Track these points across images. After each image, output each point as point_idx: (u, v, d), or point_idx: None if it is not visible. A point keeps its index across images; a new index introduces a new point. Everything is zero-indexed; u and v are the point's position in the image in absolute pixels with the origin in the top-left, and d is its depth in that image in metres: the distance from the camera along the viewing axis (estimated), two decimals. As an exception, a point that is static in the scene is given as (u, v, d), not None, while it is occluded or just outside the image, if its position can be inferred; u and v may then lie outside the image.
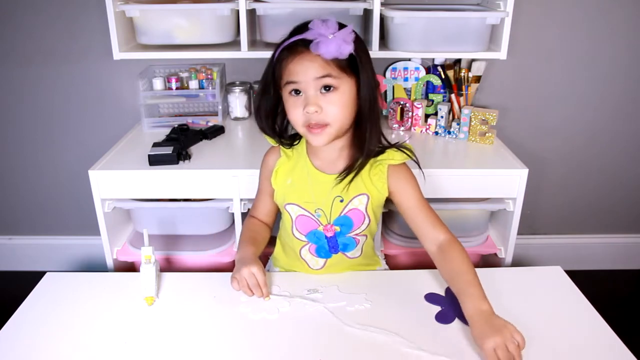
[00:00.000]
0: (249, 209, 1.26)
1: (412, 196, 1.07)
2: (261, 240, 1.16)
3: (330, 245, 1.12)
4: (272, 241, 1.24)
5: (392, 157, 1.07)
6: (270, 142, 1.13)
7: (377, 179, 1.07)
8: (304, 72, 0.96)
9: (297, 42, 0.96)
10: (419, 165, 1.11)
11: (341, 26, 0.96)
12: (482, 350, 0.85)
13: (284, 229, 1.18)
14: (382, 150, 1.07)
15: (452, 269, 0.98)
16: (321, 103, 0.97)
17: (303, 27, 0.98)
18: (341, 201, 1.07)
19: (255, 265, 1.01)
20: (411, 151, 1.08)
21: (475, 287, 0.93)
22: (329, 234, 1.11)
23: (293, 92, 0.99)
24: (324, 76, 0.95)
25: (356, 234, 1.12)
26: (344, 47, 0.93)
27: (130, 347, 0.91)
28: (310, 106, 0.96)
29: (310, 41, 0.94)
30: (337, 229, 1.10)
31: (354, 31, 0.97)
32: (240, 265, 1.02)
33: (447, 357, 0.88)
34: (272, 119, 1.07)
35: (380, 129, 1.04)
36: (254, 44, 1.68)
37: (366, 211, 1.09)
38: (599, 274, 2.10)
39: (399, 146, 1.08)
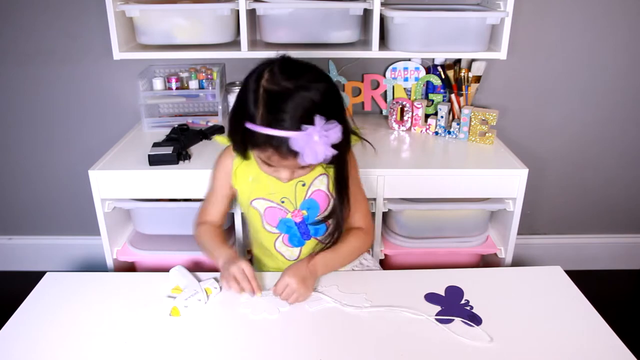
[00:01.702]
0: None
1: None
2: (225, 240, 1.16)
3: (301, 231, 1.14)
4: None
5: None
6: (222, 142, 1.13)
7: None
8: (278, 163, 0.96)
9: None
10: (369, 142, 1.12)
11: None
12: (281, 278, 1.01)
13: (253, 228, 1.19)
14: None
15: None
16: (293, 174, 1.01)
17: (279, 111, 0.89)
18: (303, 185, 1.10)
19: (242, 261, 1.03)
20: (357, 134, 1.08)
21: (325, 253, 1.08)
22: (298, 219, 1.13)
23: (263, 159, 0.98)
24: (300, 167, 0.96)
25: (325, 217, 1.13)
26: (328, 151, 0.89)
27: (130, 347, 0.91)
28: (282, 178, 1.01)
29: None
30: (305, 212, 1.12)
31: (327, 102, 0.91)
32: (227, 266, 1.03)
33: (447, 357, 0.88)
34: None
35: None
36: (254, 44, 1.68)
37: (329, 191, 1.11)
38: (599, 274, 2.10)
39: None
